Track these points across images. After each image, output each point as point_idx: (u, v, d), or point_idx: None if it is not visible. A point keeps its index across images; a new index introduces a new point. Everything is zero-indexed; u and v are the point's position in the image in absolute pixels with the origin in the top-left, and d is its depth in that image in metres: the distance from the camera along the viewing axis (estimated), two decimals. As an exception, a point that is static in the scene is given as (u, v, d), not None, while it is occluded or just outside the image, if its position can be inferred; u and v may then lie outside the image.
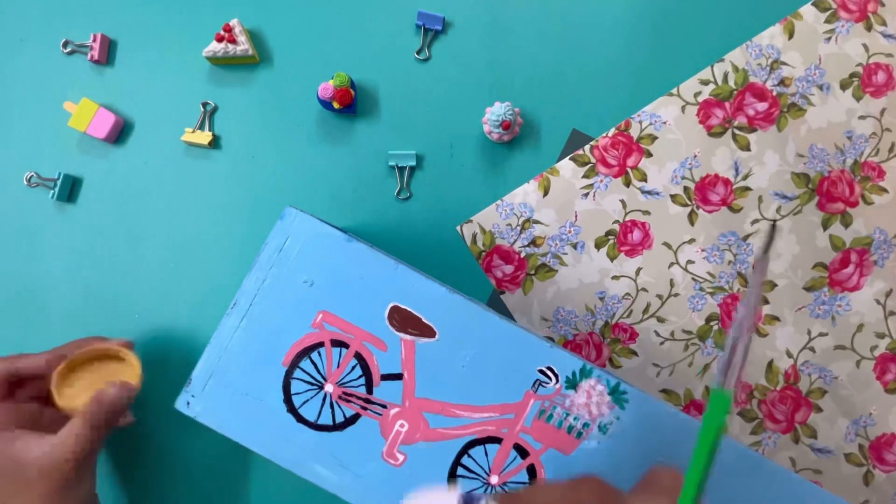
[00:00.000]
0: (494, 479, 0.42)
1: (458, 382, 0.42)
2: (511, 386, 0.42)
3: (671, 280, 0.61)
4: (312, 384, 0.42)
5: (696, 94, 0.62)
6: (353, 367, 0.42)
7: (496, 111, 0.57)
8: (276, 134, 0.61)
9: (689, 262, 0.61)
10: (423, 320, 0.42)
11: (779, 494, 0.40)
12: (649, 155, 0.61)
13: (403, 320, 0.42)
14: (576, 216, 0.61)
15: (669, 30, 0.62)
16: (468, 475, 0.42)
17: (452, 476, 0.42)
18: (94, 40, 0.60)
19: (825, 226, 0.62)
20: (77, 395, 0.50)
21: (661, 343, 0.61)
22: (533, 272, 0.61)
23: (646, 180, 0.61)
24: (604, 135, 0.62)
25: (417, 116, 0.62)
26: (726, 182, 0.61)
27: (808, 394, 0.61)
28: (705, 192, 0.61)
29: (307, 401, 0.42)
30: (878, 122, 0.62)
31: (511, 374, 0.42)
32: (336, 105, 0.58)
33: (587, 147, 0.62)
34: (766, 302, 0.61)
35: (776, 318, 0.61)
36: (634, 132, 0.62)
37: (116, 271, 0.60)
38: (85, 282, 0.60)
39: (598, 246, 0.61)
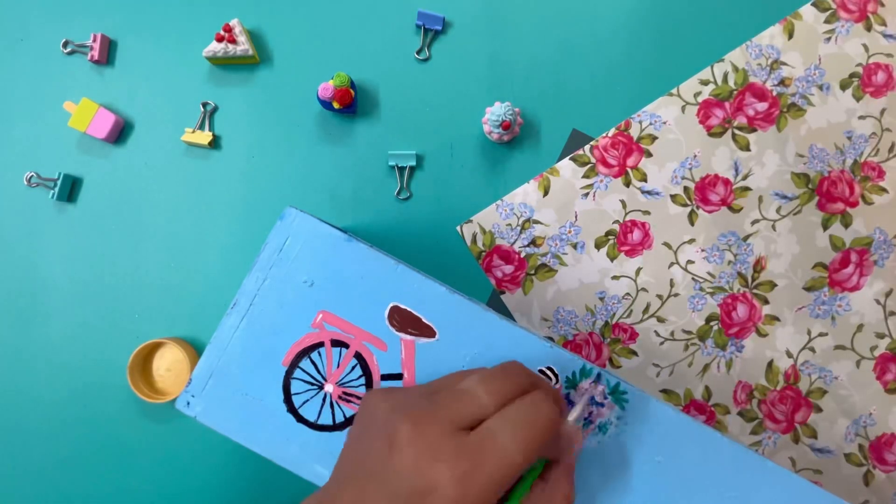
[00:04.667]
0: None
1: (458, 382, 0.42)
2: (511, 386, 0.42)
3: (671, 280, 0.61)
4: (312, 384, 0.42)
5: (696, 94, 0.62)
6: (353, 367, 0.42)
7: (496, 111, 0.57)
8: (276, 134, 0.61)
9: (689, 262, 0.61)
10: (423, 320, 0.42)
11: (779, 494, 0.40)
12: (649, 155, 0.61)
13: (403, 320, 0.42)
14: (576, 216, 0.61)
15: (669, 30, 0.62)
16: (468, 475, 0.42)
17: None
18: (94, 40, 0.60)
19: (825, 226, 0.62)
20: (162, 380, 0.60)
21: (661, 343, 0.61)
22: (533, 272, 0.61)
23: (646, 180, 0.61)
24: (604, 135, 0.62)
25: (417, 116, 0.62)
26: (726, 182, 0.61)
27: (808, 394, 0.61)
28: (705, 192, 0.61)
29: (307, 401, 0.42)
30: (877, 122, 0.62)
31: (511, 374, 0.42)
32: (336, 105, 0.58)
33: (587, 147, 0.62)
34: (766, 302, 0.61)
35: (776, 318, 0.61)
36: (634, 132, 0.62)
37: (116, 271, 0.60)
38: (85, 282, 0.60)
39: (598, 246, 0.61)
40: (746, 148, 0.62)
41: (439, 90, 0.62)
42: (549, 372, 0.42)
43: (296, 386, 0.42)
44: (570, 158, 0.61)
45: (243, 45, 0.59)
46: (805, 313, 0.61)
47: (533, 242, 0.61)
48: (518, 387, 0.33)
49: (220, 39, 0.58)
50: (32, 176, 0.60)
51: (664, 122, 0.61)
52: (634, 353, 0.61)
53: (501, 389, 0.32)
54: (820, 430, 0.61)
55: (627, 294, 0.61)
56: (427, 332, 0.42)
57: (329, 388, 0.42)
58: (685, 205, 0.61)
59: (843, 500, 0.40)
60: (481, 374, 0.33)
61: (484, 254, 0.61)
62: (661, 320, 0.61)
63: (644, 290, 0.61)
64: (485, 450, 0.30)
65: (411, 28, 0.62)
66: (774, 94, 0.62)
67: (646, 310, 0.61)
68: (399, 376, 0.42)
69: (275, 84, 0.62)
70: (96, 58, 0.60)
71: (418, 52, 0.62)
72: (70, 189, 0.61)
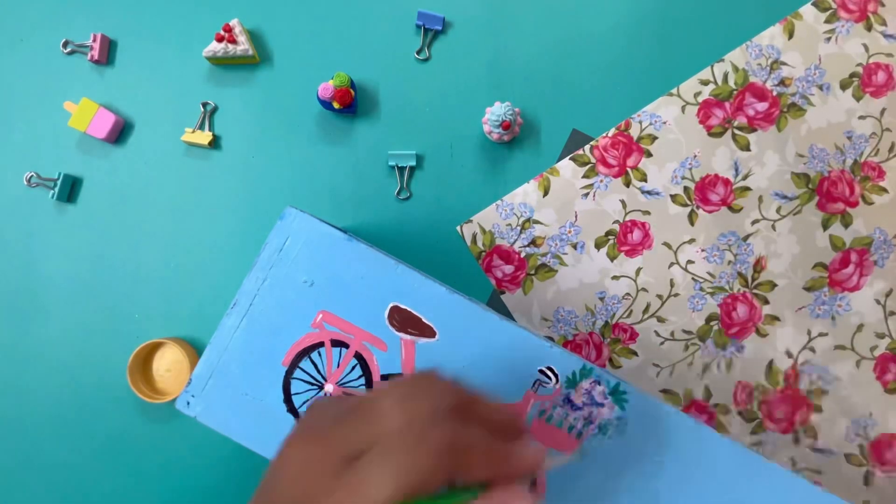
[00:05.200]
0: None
1: (458, 382, 0.42)
2: (511, 386, 0.42)
3: (671, 280, 0.61)
4: (312, 384, 0.42)
5: (696, 94, 0.62)
6: (353, 367, 0.42)
7: (496, 111, 0.57)
8: (276, 134, 0.61)
9: (689, 262, 0.61)
10: (423, 320, 0.42)
11: (779, 494, 0.40)
12: (649, 155, 0.61)
13: (403, 320, 0.42)
14: (576, 216, 0.61)
15: (669, 30, 0.62)
16: (468, 475, 0.42)
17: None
18: (94, 40, 0.60)
19: (825, 226, 0.62)
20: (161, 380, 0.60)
21: (661, 343, 0.61)
22: (533, 272, 0.61)
23: (646, 180, 0.61)
24: (604, 135, 0.62)
25: (417, 116, 0.61)
26: (726, 182, 0.61)
27: (808, 394, 0.61)
28: (705, 192, 0.61)
29: (307, 401, 0.42)
30: (878, 122, 0.62)
31: (511, 374, 0.42)
32: (336, 105, 0.58)
33: (587, 147, 0.61)
34: (766, 302, 0.61)
35: (776, 318, 0.61)
36: (634, 132, 0.62)
37: (116, 271, 0.60)
38: (85, 282, 0.60)
39: (598, 246, 0.61)
40: (746, 148, 0.62)
41: (439, 90, 0.62)
42: (549, 372, 0.42)
43: (296, 386, 0.42)
44: (570, 158, 0.61)
45: (243, 45, 0.59)
46: (805, 313, 0.61)
47: (533, 242, 0.61)
48: (430, 408, 0.27)
49: (220, 39, 0.58)
50: (32, 176, 0.60)
51: (664, 122, 0.61)
52: (634, 353, 0.61)
53: (413, 411, 0.27)
54: (820, 431, 0.61)
55: (627, 294, 0.61)
56: (427, 332, 0.42)
57: (329, 388, 0.42)
58: (685, 205, 0.61)
59: (843, 500, 0.40)
60: (398, 393, 0.28)
61: (484, 254, 0.61)
62: (661, 320, 0.61)
63: (644, 290, 0.61)
64: (352, 490, 0.25)
65: (411, 28, 0.62)
66: (774, 94, 0.62)
67: (646, 310, 0.61)
68: (399, 376, 0.42)
69: (275, 84, 0.62)
70: (96, 58, 0.60)
71: (418, 52, 0.62)
72: (70, 189, 0.61)
